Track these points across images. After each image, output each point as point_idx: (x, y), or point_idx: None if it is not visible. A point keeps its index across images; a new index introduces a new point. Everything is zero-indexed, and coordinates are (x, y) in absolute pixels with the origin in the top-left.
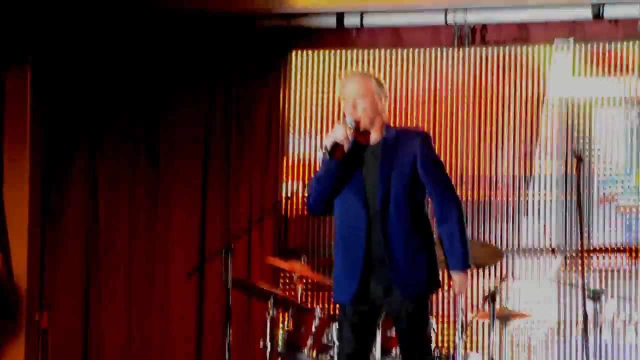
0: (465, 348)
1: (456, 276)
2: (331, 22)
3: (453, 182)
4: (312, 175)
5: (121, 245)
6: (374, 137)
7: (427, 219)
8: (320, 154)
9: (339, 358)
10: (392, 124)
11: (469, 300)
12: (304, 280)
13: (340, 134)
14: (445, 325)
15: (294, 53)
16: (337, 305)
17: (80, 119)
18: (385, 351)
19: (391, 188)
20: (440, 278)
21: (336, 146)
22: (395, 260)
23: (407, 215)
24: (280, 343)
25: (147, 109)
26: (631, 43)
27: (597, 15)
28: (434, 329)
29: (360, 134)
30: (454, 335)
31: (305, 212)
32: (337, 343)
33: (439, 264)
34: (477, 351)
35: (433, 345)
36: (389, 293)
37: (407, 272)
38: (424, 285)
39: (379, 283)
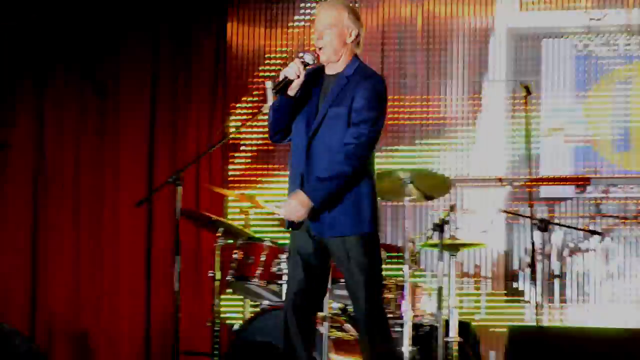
0: (415, 277)
1: (291, 197)
2: None
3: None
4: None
5: (69, 177)
6: (337, 69)
7: (365, 163)
8: (267, 84)
9: (287, 288)
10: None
11: (418, 230)
12: (252, 210)
13: (292, 70)
14: (394, 254)
15: None
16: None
17: (26, 51)
18: (334, 280)
19: (323, 123)
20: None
21: (286, 82)
22: None
23: (334, 154)
24: (229, 273)
25: (95, 41)
26: None
27: None
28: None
29: (318, 65)
30: (404, 264)
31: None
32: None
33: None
34: (425, 280)
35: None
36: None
37: (322, 211)
38: (342, 227)
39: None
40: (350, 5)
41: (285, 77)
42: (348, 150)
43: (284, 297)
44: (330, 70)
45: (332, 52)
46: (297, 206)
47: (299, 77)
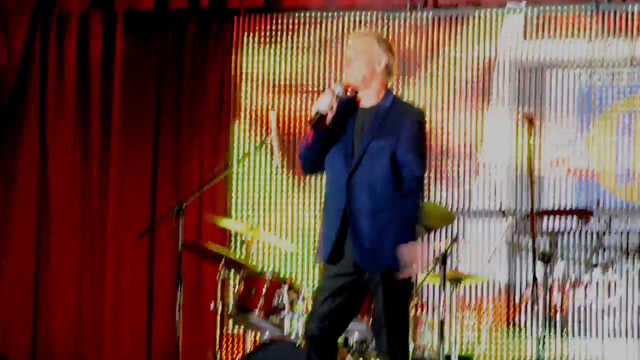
0: (416, 310)
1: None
2: None
3: None
4: (302, 137)
5: (72, 204)
6: (370, 101)
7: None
8: (271, 114)
9: (309, 319)
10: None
11: (419, 262)
12: (255, 242)
13: (324, 103)
14: None
15: (245, 12)
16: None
17: (29, 76)
18: None
19: (365, 157)
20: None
21: (320, 117)
22: (359, 229)
23: (380, 188)
24: (230, 305)
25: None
26: (582, 5)
27: None
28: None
29: (352, 95)
30: None
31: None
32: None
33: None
34: (427, 313)
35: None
36: (357, 264)
37: (368, 243)
38: (388, 260)
39: (351, 253)
40: (382, 35)
41: (318, 112)
42: (411, 177)
43: (285, 330)
44: (365, 103)
45: (361, 78)
46: (411, 252)
47: (332, 109)
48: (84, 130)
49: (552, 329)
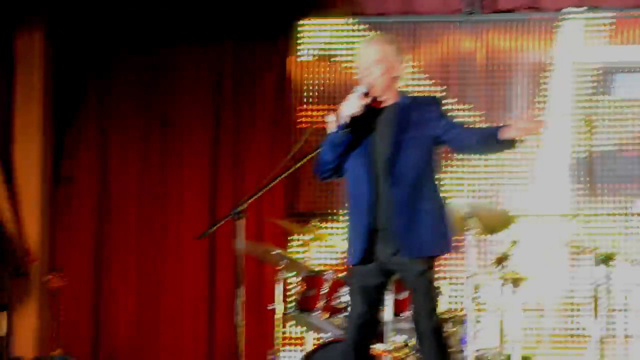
0: (476, 311)
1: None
2: None
3: None
4: (322, 142)
5: (132, 206)
6: (388, 102)
7: (438, 185)
8: (329, 118)
9: (348, 321)
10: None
11: (480, 264)
12: (315, 243)
13: (352, 106)
14: (456, 287)
15: (303, 18)
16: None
17: (91, 80)
18: (396, 313)
19: (402, 153)
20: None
21: (352, 119)
22: (399, 221)
23: (415, 180)
24: (291, 305)
25: (158, 71)
26: None
27: None
28: (441, 292)
29: (372, 99)
30: (465, 298)
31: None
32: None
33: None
34: (487, 314)
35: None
36: (396, 255)
37: (410, 233)
38: (429, 247)
39: (386, 245)
40: (394, 39)
41: (349, 115)
42: (464, 127)
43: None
44: (385, 104)
45: (384, 86)
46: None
47: (360, 108)
48: (144, 133)
49: (614, 331)
